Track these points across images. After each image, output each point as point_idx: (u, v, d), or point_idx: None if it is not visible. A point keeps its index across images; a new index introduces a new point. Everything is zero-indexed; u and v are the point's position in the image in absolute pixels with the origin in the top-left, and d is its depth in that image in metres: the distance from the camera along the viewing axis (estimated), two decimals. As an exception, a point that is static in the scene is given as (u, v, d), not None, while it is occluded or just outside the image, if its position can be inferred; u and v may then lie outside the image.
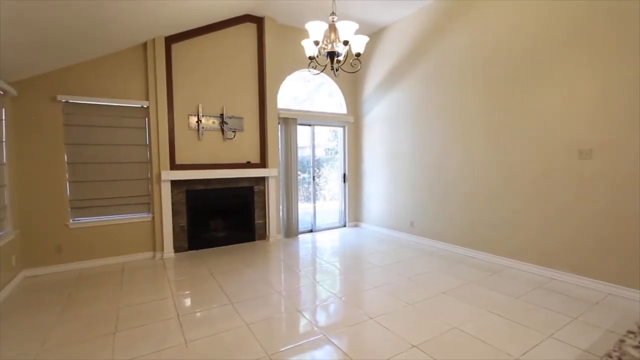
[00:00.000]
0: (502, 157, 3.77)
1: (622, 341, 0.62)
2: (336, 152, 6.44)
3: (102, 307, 2.82)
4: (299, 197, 5.50)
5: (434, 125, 4.57)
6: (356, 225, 6.15)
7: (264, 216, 5.11)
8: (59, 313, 2.73)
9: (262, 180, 5.06)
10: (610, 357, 0.57)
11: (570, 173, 3.21)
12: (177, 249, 4.43)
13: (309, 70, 3.34)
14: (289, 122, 5.23)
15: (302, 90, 5.77)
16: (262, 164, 5.06)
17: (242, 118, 4.88)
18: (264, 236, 5.14)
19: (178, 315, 2.67)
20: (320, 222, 5.98)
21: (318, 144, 6.02)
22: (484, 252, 4.01)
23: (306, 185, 6.07)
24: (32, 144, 3.63)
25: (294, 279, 3.49)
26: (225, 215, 5.04)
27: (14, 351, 2.20)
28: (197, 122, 4.52)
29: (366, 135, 5.86)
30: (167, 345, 2.23)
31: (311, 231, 5.74)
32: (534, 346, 2.16)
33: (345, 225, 6.12)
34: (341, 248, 4.77)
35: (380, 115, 5.50)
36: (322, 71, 2.96)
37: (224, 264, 4.00)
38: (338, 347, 2.19)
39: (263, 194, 5.09)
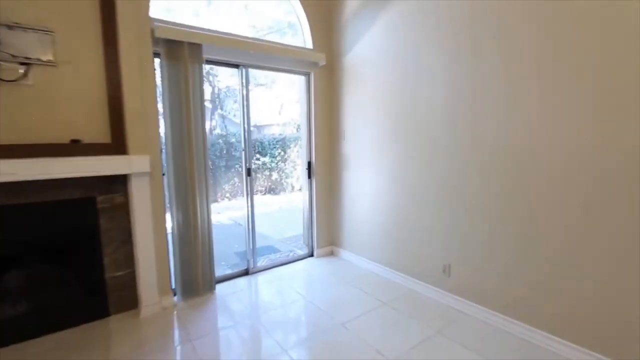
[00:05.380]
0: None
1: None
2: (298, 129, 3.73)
3: None
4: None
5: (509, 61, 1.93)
6: (332, 254, 3.50)
7: (128, 260, 2.33)
8: None
9: (118, 182, 2.24)
10: None
11: None
12: None
13: None
14: (183, 51, 2.37)
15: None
16: (117, 144, 2.22)
17: (49, 32, 1.97)
18: (130, 304, 2.36)
19: None
20: (266, 251, 3.31)
21: (256, 112, 3.30)
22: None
23: (264, 178, 3.35)
24: None
25: None
26: (31, 265, 2.18)
27: None
28: None
29: (349, 89, 3.13)
30: None
31: (247, 273, 3.03)
32: None
33: (312, 255, 3.45)
34: (307, 331, 2.14)
35: (376, 51, 2.78)
36: None
37: None
38: None
39: (123, 210, 2.28)
